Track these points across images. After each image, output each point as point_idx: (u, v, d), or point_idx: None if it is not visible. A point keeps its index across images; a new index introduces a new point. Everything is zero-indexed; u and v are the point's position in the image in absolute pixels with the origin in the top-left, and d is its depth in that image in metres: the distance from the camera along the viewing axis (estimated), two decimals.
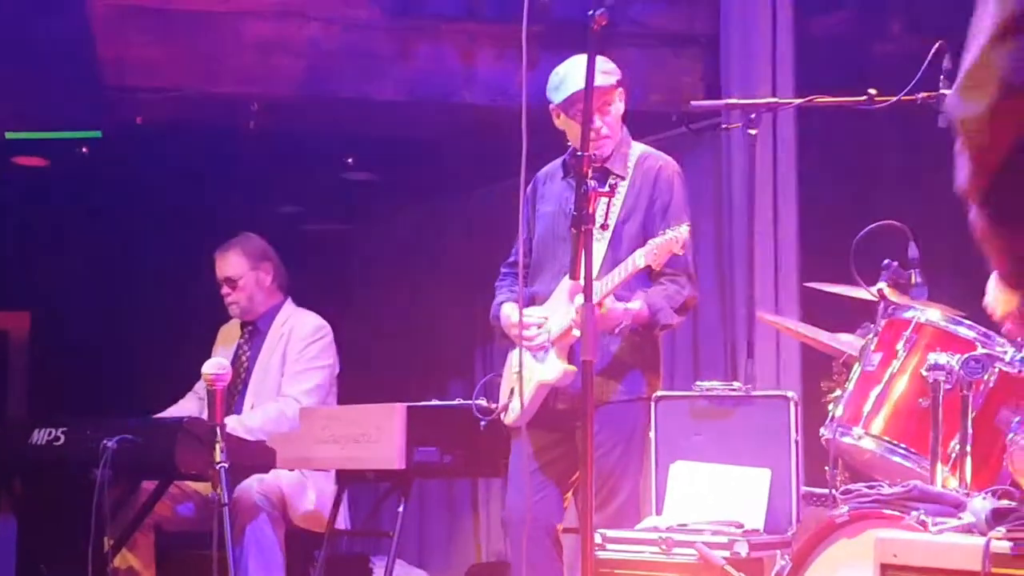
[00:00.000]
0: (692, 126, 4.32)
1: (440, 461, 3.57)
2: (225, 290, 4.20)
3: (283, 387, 4.04)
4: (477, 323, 5.30)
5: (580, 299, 2.96)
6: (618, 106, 3.19)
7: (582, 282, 2.31)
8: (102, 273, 5.74)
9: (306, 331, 4.12)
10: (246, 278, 4.17)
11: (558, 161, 3.32)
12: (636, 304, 3.07)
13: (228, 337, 4.27)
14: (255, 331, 4.20)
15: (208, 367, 2.83)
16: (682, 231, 2.92)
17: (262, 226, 4.46)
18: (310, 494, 3.95)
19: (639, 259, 2.96)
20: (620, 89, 3.19)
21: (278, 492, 3.87)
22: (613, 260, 3.06)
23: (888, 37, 4.12)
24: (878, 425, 2.66)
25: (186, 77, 4.38)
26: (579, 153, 2.31)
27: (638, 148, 3.25)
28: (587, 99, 2.28)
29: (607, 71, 3.13)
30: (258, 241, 4.26)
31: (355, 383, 4.43)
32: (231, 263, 4.19)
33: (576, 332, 3.04)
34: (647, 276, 3.10)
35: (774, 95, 3.77)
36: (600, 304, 2.93)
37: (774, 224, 4.04)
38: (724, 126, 3.56)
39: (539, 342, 3.13)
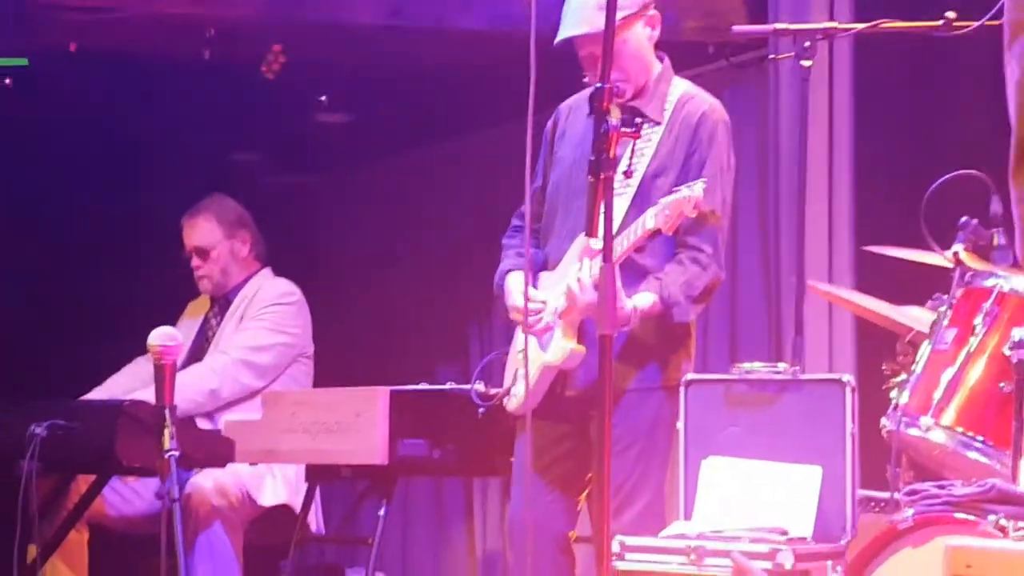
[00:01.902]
0: (733, 59, 4.29)
1: (429, 456, 3.59)
2: (195, 262, 4.24)
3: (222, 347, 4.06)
4: (472, 294, 5.28)
5: (587, 264, 3.00)
6: (637, 40, 3.15)
7: (595, 242, 2.30)
8: (24, 226, 5.73)
9: (268, 295, 4.16)
10: (219, 248, 4.21)
11: (586, 92, 3.24)
12: (647, 299, 3.06)
13: (196, 309, 4.31)
14: (225, 303, 4.23)
15: (155, 337, 2.84)
16: (696, 189, 2.92)
17: (214, 177, 4.47)
18: (277, 486, 3.97)
19: (648, 221, 2.96)
20: (640, 18, 3.15)
21: (236, 487, 3.89)
22: (636, 219, 3.05)
23: None
24: (950, 414, 2.67)
25: None
26: (598, 85, 2.30)
27: (680, 86, 3.21)
28: (609, 13, 2.26)
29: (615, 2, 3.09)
30: (232, 204, 4.31)
31: (327, 365, 4.44)
32: (202, 231, 4.23)
33: (579, 303, 3.03)
34: (672, 240, 3.09)
35: (831, 19, 3.74)
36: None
37: (828, 177, 4.04)
38: (772, 56, 3.54)
39: (540, 327, 3.12)
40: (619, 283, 2.88)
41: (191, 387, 3.87)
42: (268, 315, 4.13)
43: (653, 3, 3.19)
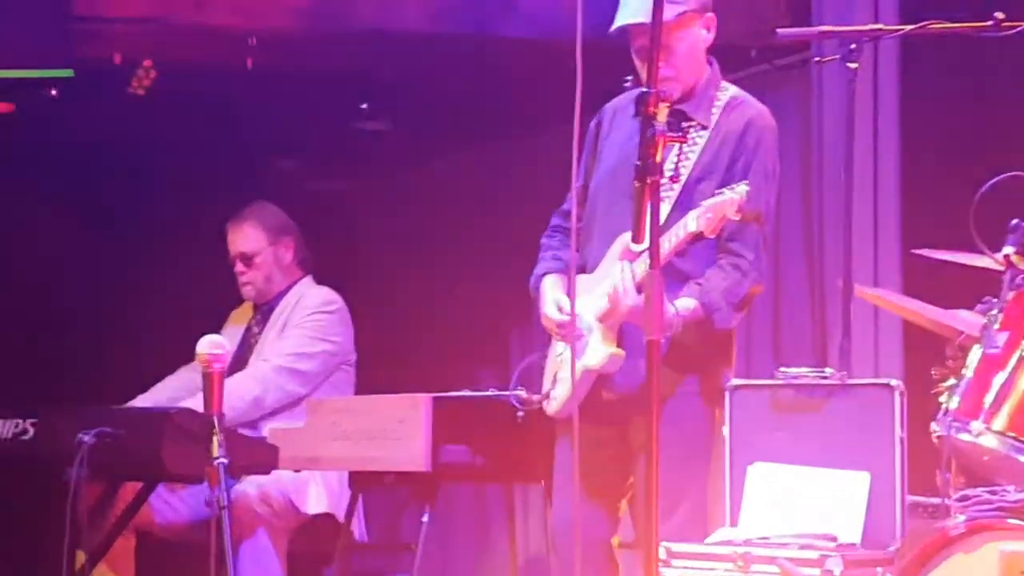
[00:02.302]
0: (776, 62, 4.27)
1: (471, 462, 3.59)
2: (239, 267, 4.26)
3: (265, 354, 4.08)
4: (512, 301, 5.28)
5: (627, 268, 2.98)
6: (693, 39, 3.13)
7: (638, 248, 2.28)
8: (77, 234, 5.79)
9: (313, 302, 4.17)
10: (264, 254, 4.24)
11: (631, 93, 3.26)
12: (689, 303, 3.04)
13: (239, 317, 4.34)
14: (268, 311, 4.25)
15: (203, 345, 2.86)
16: (739, 191, 2.89)
17: (258, 183, 4.49)
18: (320, 494, 3.98)
19: (690, 223, 2.93)
20: (699, 19, 3.13)
21: (280, 495, 3.90)
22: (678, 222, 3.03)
23: None
24: (1002, 419, 2.64)
25: (172, 6, 4.39)
26: (644, 90, 2.29)
27: (728, 91, 3.20)
28: (655, 20, 2.25)
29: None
30: (275, 210, 4.33)
31: (369, 372, 4.45)
32: (246, 236, 4.25)
33: (621, 307, 3.02)
34: (713, 245, 3.07)
35: (876, 21, 3.71)
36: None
37: (874, 179, 4.01)
38: (817, 59, 3.51)
39: (575, 338, 3.10)
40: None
41: (234, 395, 3.88)
42: (310, 323, 4.14)
43: (712, 5, 3.16)
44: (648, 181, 2.24)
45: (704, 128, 3.13)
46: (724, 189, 2.93)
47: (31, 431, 3.60)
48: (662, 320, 2.31)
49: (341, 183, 6.50)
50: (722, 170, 3.10)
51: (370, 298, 5.97)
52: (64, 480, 3.30)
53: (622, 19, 3.10)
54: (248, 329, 4.29)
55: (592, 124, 3.30)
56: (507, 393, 3.40)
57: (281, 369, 4.06)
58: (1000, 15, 2.96)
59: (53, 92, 4.68)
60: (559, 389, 3.19)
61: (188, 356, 4.04)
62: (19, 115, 4.85)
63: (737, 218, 2.92)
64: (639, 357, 2.98)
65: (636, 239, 2.29)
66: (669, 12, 3.04)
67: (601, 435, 3.15)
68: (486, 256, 5.65)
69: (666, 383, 3.06)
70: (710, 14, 3.16)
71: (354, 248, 6.36)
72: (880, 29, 3.19)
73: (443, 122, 5.50)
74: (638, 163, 2.26)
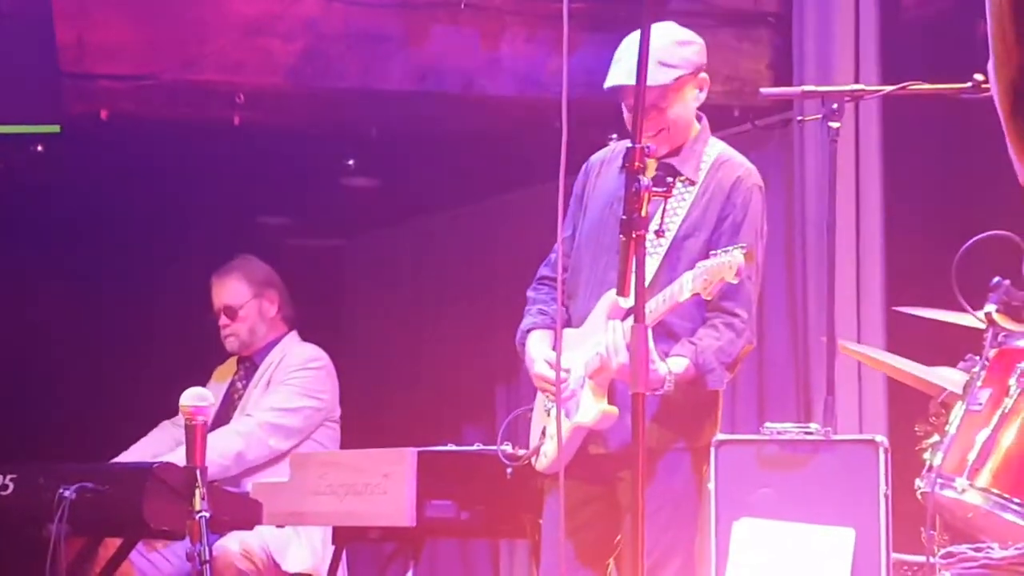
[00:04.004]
0: (758, 122, 4.31)
1: (456, 517, 3.56)
2: (223, 320, 4.27)
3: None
4: (498, 355, 5.29)
5: (617, 326, 2.97)
6: (688, 102, 3.14)
7: (624, 301, 2.28)
8: (59, 291, 5.77)
9: (296, 359, 4.17)
10: (248, 307, 4.24)
11: (620, 145, 3.25)
12: (682, 363, 3.03)
13: (223, 374, 4.33)
14: (251, 367, 4.24)
15: (187, 398, 2.84)
16: (735, 256, 2.89)
17: (245, 240, 4.49)
18: (302, 551, 3.95)
19: (687, 286, 2.93)
20: (693, 80, 3.13)
21: (262, 551, 3.87)
22: (667, 280, 3.03)
23: None
24: (986, 476, 2.64)
25: (159, 63, 4.41)
26: (630, 145, 2.31)
27: (716, 147, 3.20)
28: (639, 83, 2.27)
29: (669, 62, 3.04)
30: (261, 265, 4.35)
31: (354, 426, 4.43)
32: (231, 289, 4.26)
33: (613, 365, 3.02)
34: (701, 301, 3.07)
35: (857, 81, 3.76)
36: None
37: (856, 237, 4.03)
38: (800, 119, 3.55)
39: (564, 395, 3.09)
40: (652, 345, 2.86)
41: (216, 450, 3.86)
42: (296, 379, 4.14)
43: (706, 68, 3.18)
44: (634, 235, 2.25)
45: (692, 184, 3.14)
46: (719, 251, 2.93)
47: (11, 486, 3.56)
48: (647, 373, 2.31)
49: (327, 239, 6.51)
50: (709, 227, 3.10)
51: (356, 353, 5.96)
52: (44, 535, 3.27)
53: (615, 79, 3.10)
54: (231, 384, 4.28)
55: (579, 176, 3.30)
56: (493, 448, 3.38)
57: (265, 424, 4.04)
58: (980, 76, 3.00)
59: (40, 148, 4.70)
60: (548, 445, 3.18)
61: (172, 412, 4.03)
62: (5, 170, 4.86)
63: (736, 282, 2.92)
64: (628, 413, 2.98)
65: (621, 292, 2.29)
66: (666, 76, 3.05)
67: (589, 492, 3.14)
68: (472, 311, 5.65)
69: (655, 440, 3.05)
70: (703, 75, 3.17)
71: (340, 303, 6.36)
72: (862, 90, 3.23)
73: (429, 179, 5.53)
74: (624, 217, 2.27)
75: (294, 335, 4.31)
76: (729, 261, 2.88)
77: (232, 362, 4.34)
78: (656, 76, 2.95)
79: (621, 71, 3.09)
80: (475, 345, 5.59)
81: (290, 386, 4.11)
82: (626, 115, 3.14)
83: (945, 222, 3.76)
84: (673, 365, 3.02)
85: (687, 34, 3.15)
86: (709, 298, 2.95)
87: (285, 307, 4.30)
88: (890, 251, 4.09)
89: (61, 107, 4.34)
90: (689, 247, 3.07)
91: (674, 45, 3.10)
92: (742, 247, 2.91)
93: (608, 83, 3.11)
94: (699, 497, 3.12)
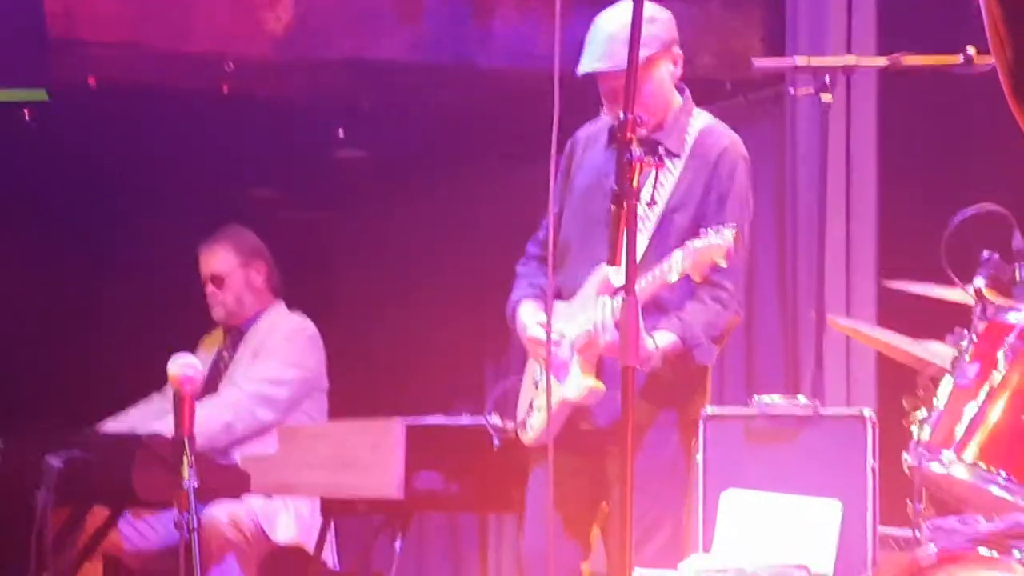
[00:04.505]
0: (751, 96, 4.30)
1: (445, 490, 3.57)
2: (210, 289, 4.27)
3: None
4: (487, 329, 5.28)
5: (607, 303, 2.97)
6: (660, 78, 3.14)
7: (615, 277, 2.28)
8: (46, 259, 5.75)
9: (283, 330, 4.17)
10: (234, 276, 4.24)
11: (604, 121, 3.27)
12: (669, 338, 3.04)
13: (210, 343, 4.32)
14: (238, 336, 4.24)
15: (175, 366, 2.83)
16: (725, 237, 2.89)
17: (233, 212, 4.47)
18: (290, 522, 3.95)
19: (675, 266, 2.92)
20: (665, 56, 3.14)
21: (251, 521, 3.87)
22: (656, 254, 3.03)
23: None
24: (973, 449, 2.64)
25: (149, 31, 4.38)
26: (621, 116, 2.29)
27: (700, 119, 3.20)
28: (632, 49, 2.26)
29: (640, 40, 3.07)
30: (249, 235, 4.35)
31: (341, 399, 4.43)
32: (219, 258, 4.27)
33: (601, 343, 3.02)
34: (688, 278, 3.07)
35: (850, 53, 3.74)
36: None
37: (846, 212, 4.03)
38: (792, 91, 3.54)
39: (556, 361, 3.10)
40: (641, 320, 2.86)
41: (204, 422, 3.85)
42: (283, 350, 4.14)
43: (677, 41, 3.18)
44: (625, 206, 2.25)
45: (677, 157, 3.15)
46: (709, 231, 2.92)
47: None
48: (637, 347, 2.31)
49: (317, 212, 6.49)
50: (695, 201, 3.10)
51: (345, 326, 5.94)
52: (31, 503, 3.26)
53: (586, 65, 3.11)
54: (218, 354, 4.27)
55: (565, 152, 3.30)
56: (482, 420, 3.38)
57: (253, 395, 4.04)
58: (972, 50, 2.99)
59: (27, 114, 4.67)
60: (535, 418, 3.18)
61: (162, 379, 4.02)
62: None
63: (726, 265, 2.92)
64: (616, 389, 2.98)
65: (612, 262, 2.29)
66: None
67: (576, 463, 3.14)
68: (462, 284, 5.64)
69: (643, 415, 3.06)
70: (676, 49, 3.18)
71: (330, 276, 6.34)
72: (855, 63, 3.22)
73: (420, 151, 5.51)
74: (615, 188, 2.27)
75: (281, 305, 4.31)
76: (719, 244, 2.88)
77: (219, 332, 4.34)
78: (623, 56, 2.93)
79: (593, 56, 3.10)
80: (464, 318, 5.59)
81: (277, 357, 4.11)
82: (605, 104, 3.14)
83: (938, 195, 3.75)
84: (660, 340, 3.02)
85: (653, 9, 3.13)
86: (699, 280, 2.94)
87: (272, 277, 4.30)
88: (882, 225, 4.08)
89: (49, 74, 4.32)
90: (678, 221, 3.08)
91: (632, 24, 3.08)
92: (732, 227, 2.91)
93: (581, 69, 3.12)
94: (687, 469, 3.13)
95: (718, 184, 3.11)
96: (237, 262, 4.25)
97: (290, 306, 4.35)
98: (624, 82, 2.23)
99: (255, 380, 4.06)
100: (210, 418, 3.91)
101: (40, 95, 4.30)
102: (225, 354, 4.26)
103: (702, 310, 3.07)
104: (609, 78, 3.10)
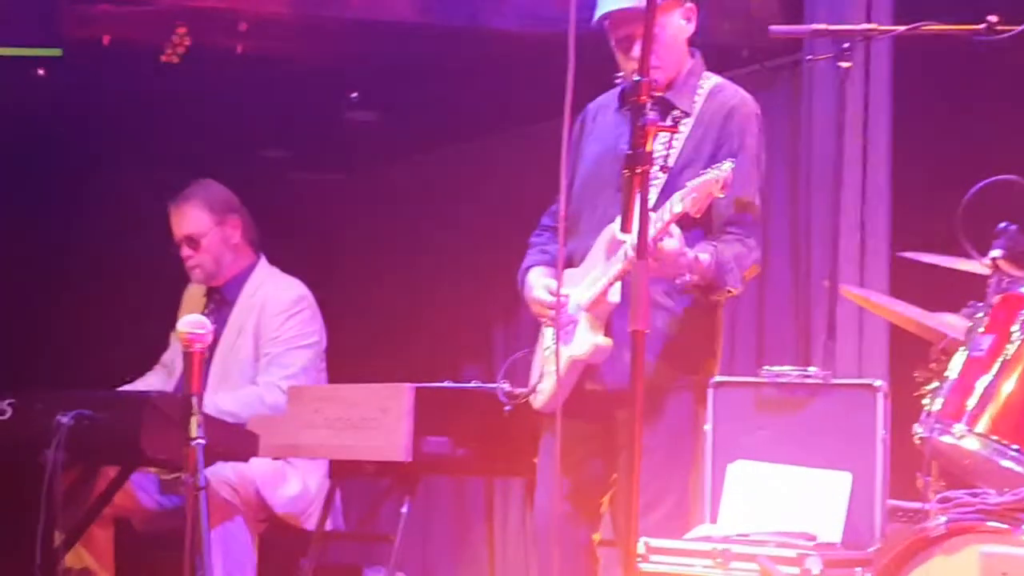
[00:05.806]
0: (768, 63, 4.26)
1: (452, 454, 3.57)
2: (186, 251, 4.04)
3: (261, 374, 3.98)
4: (498, 293, 5.27)
5: (620, 257, 2.96)
6: (675, 28, 3.13)
7: (626, 237, 2.25)
8: (60, 217, 5.76)
9: (282, 304, 4.02)
10: (211, 236, 4.02)
11: (613, 92, 3.26)
12: (704, 255, 3.00)
13: (192, 303, 4.16)
14: (222, 300, 4.08)
15: (184, 324, 2.81)
16: (724, 168, 2.87)
17: (243, 172, 4.43)
18: (290, 492, 3.92)
19: (675, 205, 2.90)
20: (682, 6, 3.14)
21: (251, 485, 3.85)
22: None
23: None
24: (985, 422, 2.63)
25: None
26: (636, 79, 2.27)
27: (711, 80, 3.19)
28: (649, 9, 2.23)
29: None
30: (219, 188, 4.11)
31: (350, 362, 4.42)
32: (191, 218, 4.03)
33: (611, 298, 3.00)
34: (703, 234, 3.05)
35: (869, 21, 3.70)
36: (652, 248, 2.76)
37: (862, 180, 4.00)
38: (809, 58, 3.51)
39: (564, 320, 3.08)
40: (679, 235, 2.87)
41: (238, 415, 3.77)
42: (290, 330, 3.98)
43: None
44: (638, 171, 2.22)
45: (687, 116, 3.13)
46: (709, 169, 2.91)
47: (8, 411, 3.56)
48: (647, 310, 2.29)
49: (327, 174, 6.48)
50: (706, 157, 3.09)
51: (355, 289, 5.95)
52: (41, 462, 3.27)
53: (606, 6, 3.09)
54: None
55: (576, 125, 3.28)
56: (491, 386, 3.38)
57: (276, 400, 3.89)
58: (994, 18, 2.95)
59: (40, 71, 4.65)
60: (546, 383, 3.17)
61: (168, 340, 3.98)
62: (5, 93, 4.82)
63: (723, 195, 2.89)
64: (625, 348, 2.97)
65: (625, 228, 2.27)
66: None
67: (585, 430, 3.13)
68: (472, 249, 5.63)
69: (655, 376, 3.04)
70: (690, 4, 3.16)
71: (340, 238, 6.34)
72: (873, 29, 3.19)
73: (431, 114, 5.49)
74: (628, 152, 2.25)
75: (263, 263, 4.11)
76: (716, 176, 2.86)
77: (199, 293, 4.14)
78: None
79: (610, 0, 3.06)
80: (474, 284, 5.58)
81: (292, 345, 3.95)
82: (618, 55, 3.11)
83: (954, 166, 3.72)
84: (699, 254, 2.99)
85: None
86: (697, 215, 2.91)
87: (249, 230, 4.08)
88: (897, 194, 4.06)
89: (62, 32, 4.30)
90: (687, 178, 3.05)
91: None
92: (731, 162, 2.89)
93: (599, 11, 3.09)
94: (696, 437, 3.12)
95: (728, 142, 3.10)
96: (211, 220, 4.01)
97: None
98: (638, 28, 2.18)
99: (281, 380, 3.88)
100: (245, 413, 3.78)
101: (54, 52, 4.28)
102: (210, 319, 4.14)
103: (732, 242, 3.06)
104: (625, 23, 3.07)
